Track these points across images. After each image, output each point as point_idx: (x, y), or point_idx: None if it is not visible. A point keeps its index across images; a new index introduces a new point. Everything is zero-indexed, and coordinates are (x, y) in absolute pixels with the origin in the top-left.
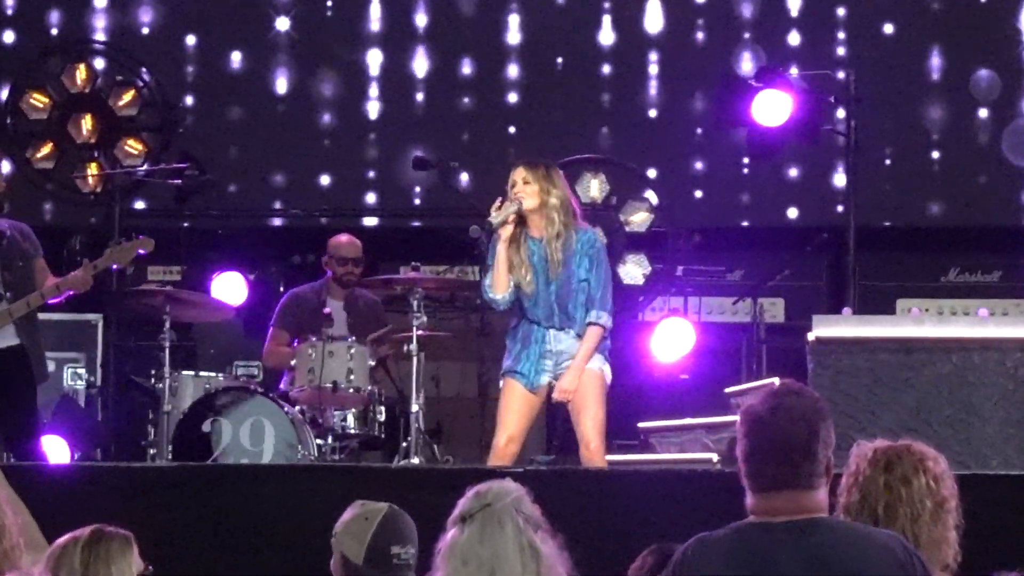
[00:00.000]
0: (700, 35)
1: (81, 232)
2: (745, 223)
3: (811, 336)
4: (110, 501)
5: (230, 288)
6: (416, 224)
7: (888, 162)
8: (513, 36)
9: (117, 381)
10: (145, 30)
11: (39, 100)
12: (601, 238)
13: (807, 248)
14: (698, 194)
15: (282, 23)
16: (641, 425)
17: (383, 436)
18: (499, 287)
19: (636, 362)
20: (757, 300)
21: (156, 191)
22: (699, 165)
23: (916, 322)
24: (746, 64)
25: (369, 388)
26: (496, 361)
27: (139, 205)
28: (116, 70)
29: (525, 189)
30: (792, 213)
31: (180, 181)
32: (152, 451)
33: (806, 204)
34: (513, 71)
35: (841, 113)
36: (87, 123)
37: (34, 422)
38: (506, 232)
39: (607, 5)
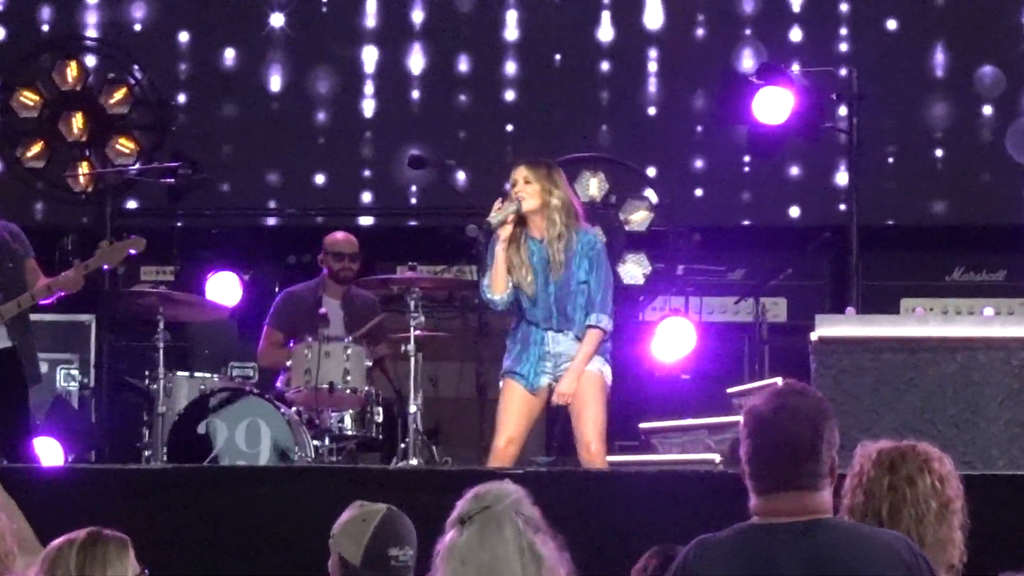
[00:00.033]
0: (700, 31)
1: (73, 232)
2: (746, 222)
3: (814, 336)
4: (104, 504)
5: (224, 288)
6: (413, 223)
7: (891, 160)
8: (511, 33)
9: (111, 382)
10: (137, 26)
11: (29, 98)
12: (601, 238)
13: (809, 247)
14: (699, 193)
15: (276, 19)
16: (642, 426)
17: (381, 437)
18: (497, 288)
19: (637, 362)
20: (759, 300)
21: (149, 190)
22: (699, 163)
23: (920, 321)
24: (747, 61)
25: (366, 389)
26: (495, 361)
27: (131, 204)
28: (108, 67)
29: (526, 189)
30: (794, 212)
31: (173, 180)
32: (147, 453)
33: (808, 203)
34: (511, 68)
35: (843, 110)
36: (78, 121)
37: (26, 424)
38: (505, 232)
39: (606, 1)
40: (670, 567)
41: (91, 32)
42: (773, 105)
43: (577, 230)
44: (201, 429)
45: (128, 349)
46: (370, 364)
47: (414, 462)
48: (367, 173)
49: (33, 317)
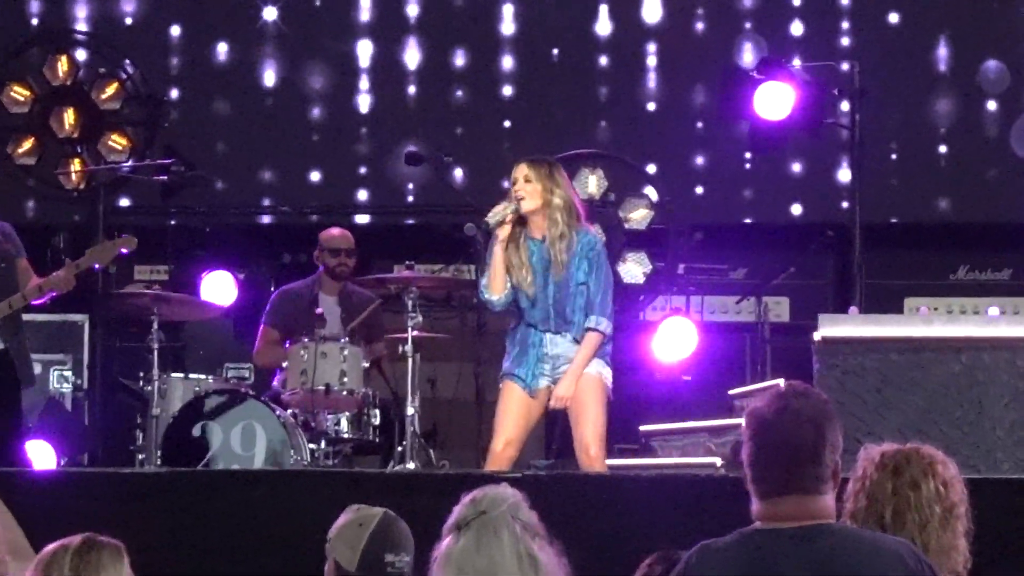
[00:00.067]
0: (700, 25)
1: (65, 230)
2: (748, 220)
3: (817, 336)
4: (97, 508)
5: (219, 288)
6: (410, 221)
7: (894, 157)
8: (507, 27)
9: (104, 384)
10: (129, 20)
11: (20, 93)
12: (601, 237)
13: (812, 245)
14: (699, 190)
15: (270, 13)
16: (642, 428)
17: (377, 440)
18: (495, 288)
19: (637, 363)
20: (761, 299)
21: (141, 187)
22: (700, 160)
23: (924, 321)
24: (747, 55)
25: (363, 390)
26: (493, 362)
27: (124, 202)
28: (99, 62)
29: (526, 188)
30: (796, 209)
31: (166, 177)
32: (140, 456)
33: (810, 200)
34: (508, 63)
35: (845, 106)
36: (69, 117)
37: (18, 426)
38: (503, 232)
39: None
40: (672, 573)
41: (82, 26)
42: (774, 101)
43: (578, 230)
44: (196, 432)
45: (122, 350)
46: (367, 365)
47: (411, 465)
48: (363, 170)
49: (25, 317)
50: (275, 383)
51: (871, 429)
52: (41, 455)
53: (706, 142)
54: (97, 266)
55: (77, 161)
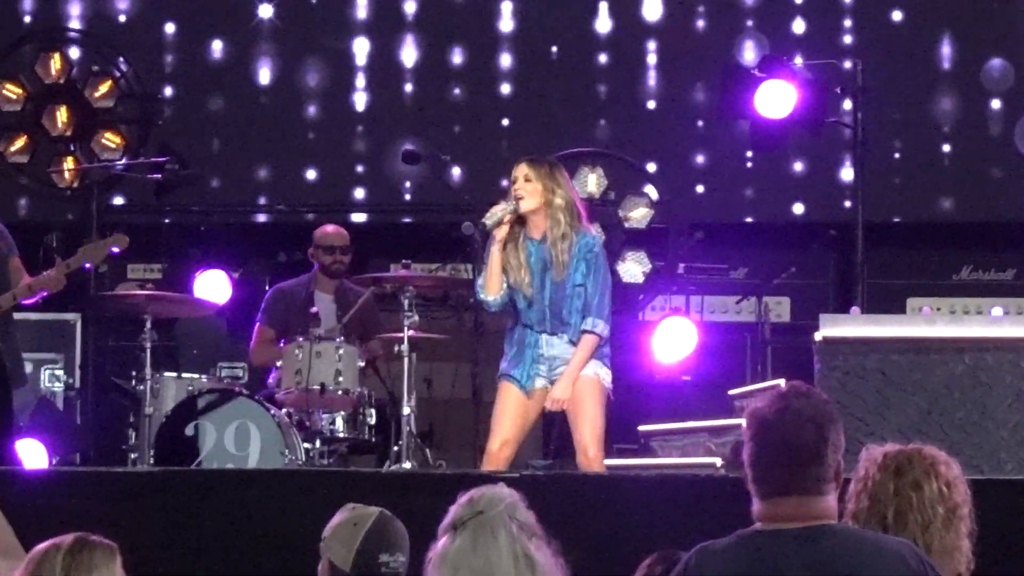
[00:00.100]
0: (701, 23)
1: (58, 228)
2: (749, 219)
3: (818, 336)
4: (89, 508)
5: (213, 287)
6: (406, 220)
7: (897, 155)
8: (506, 24)
9: (96, 383)
10: (122, 18)
11: (12, 91)
12: (600, 236)
13: (813, 245)
14: (700, 189)
15: (265, 10)
16: (641, 428)
17: (373, 440)
18: (491, 289)
19: (636, 363)
20: (762, 299)
21: (135, 186)
22: (700, 159)
23: (927, 321)
24: (749, 53)
25: (358, 390)
26: (490, 362)
27: (117, 200)
28: (92, 60)
29: (525, 187)
30: (798, 208)
31: (160, 175)
32: (133, 455)
33: (812, 199)
34: (506, 61)
35: (848, 104)
36: (62, 115)
37: (9, 425)
38: (500, 233)
39: None
40: (671, 575)
41: (75, 23)
42: (776, 99)
43: (578, 231)
44: (189, 431)
45: (114, 349)
46: (362, 364)
47: (407, 465)
48: (359, 168)
49: (17, 316)
50: (270, 382)
51: (873, 430)
52: (33, 454)
53: (707, 140)
54: (88, 265)
55: (70, 159)
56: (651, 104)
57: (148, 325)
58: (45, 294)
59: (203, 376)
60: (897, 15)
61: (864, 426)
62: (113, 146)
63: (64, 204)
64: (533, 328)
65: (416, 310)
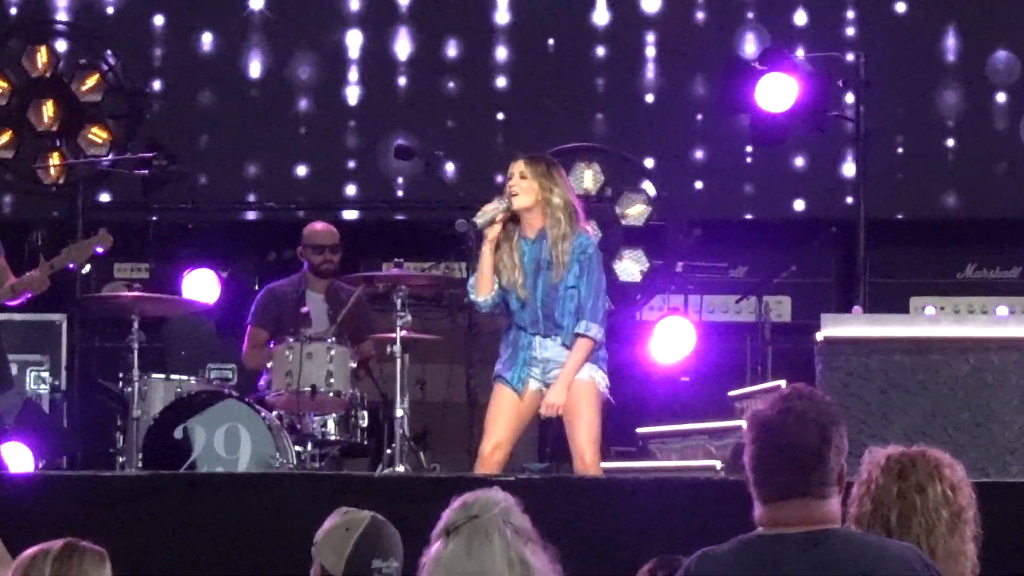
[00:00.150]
0: (700, 15)
1: (42, 226)
2: (749, 216)
3: (819, 336)
4: (76, 512)
5: (202, 286)
6: (399, 217)
7: (900, 150)
8: (501, 16)
9: (83, 385)
10: (110, 10)
11: None
12: (596, 234)
13: (815, 242)
14: (699, 185)
15: (256, 2)
16: (640, 431)
17: (366, 443)
18: (482, 289)
19: (634, 364)
20: (762, 298)
21: (122, 182)
22: (700, 154)
23: (931, 321)
24: (749, 46)
25: (350, 392)
26: (485, 364)
27: (104, 197)
28: (79, 53)
29: (520, 184)
30: (798, 205)
31: (147, 171)
32: (121, 459)
33: (813, 195)
34: (502, 53)
35: (850, 98)
36: (48, 109)
37: None
38: (492, 232)
39: None
40: None
41: (61, 16)
42: (777, 92)
43: (575, 231)
44: (178, 434)
45: (101, 350)
46: (354, 366)
47: (400, 469)
48: (351, 164)
49: (1, 317)
50: (261, 384)
51: (875, 432)
52: (18, 458)
53: (706, 135)
54: (72, 265)
55: (56, 155)
56: (649, 98)
57: (135, 325)
58: (29, 295)
59: (192, 378)
60: (900, 7)
61: (867, 428)
62: (100, 141)
63: (49, 201)
64: (527, 330)
65: (409, 310)
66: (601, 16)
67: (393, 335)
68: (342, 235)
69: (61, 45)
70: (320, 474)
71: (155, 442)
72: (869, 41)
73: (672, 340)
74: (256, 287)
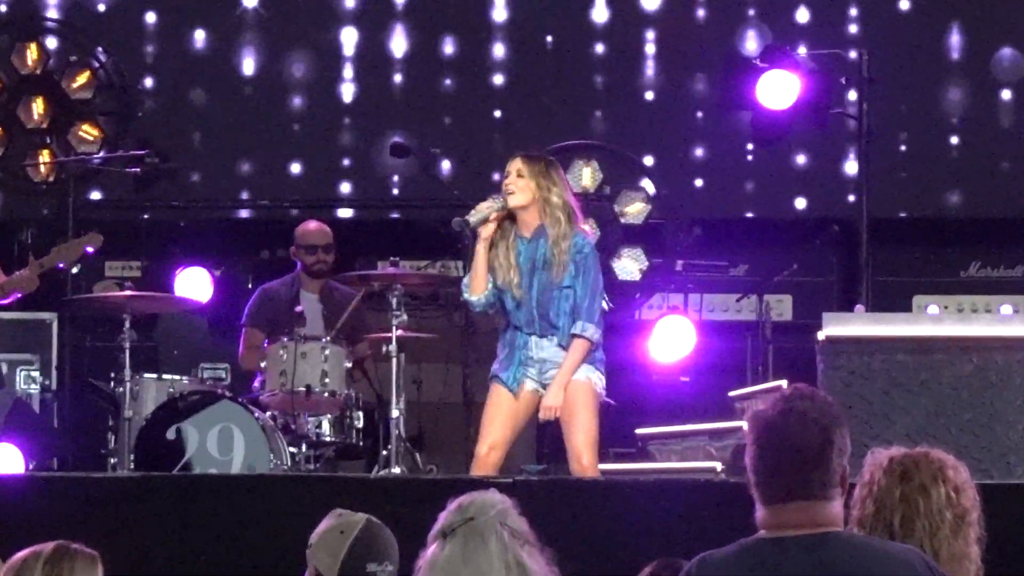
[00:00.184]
0: (701, 12)
1: (32, 224)
2: (750, 214)
3: (821, 335)
4: (68, 514)
5: (194, 285)
6: (395, 216)
7: (903, 148)
8: (499, 13)
9: (74, 384)
10: (101, 7)
11: None
12: (595, 232)
13: (816, 241)
14: (699, 183)
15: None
16: (639, 432)
17: (361, 444)
18: (476, 289)
19: (633, 364)
20: (763, 297)
21: (113, 180)
22: (700, 152)
23: (934, 320)
24: (750, 43)
25: (345, 392)
26: (481, 363)
27: (95, 195)
28: (70, 49)
29: (517, 183)
30: (800, 203)
31: (139, 169)
32: (112, 460)
33: (815, 194)
34: (499, 51)
35: (853, 95)
36: (38, 107)
37: None
38: (486, 231)
39: None
40: None
41: (52, 12)
42: (778, 90)
43: (573, 231)
44: (170, 435)
45: (92, 349)
46: (350, 365)
47: (396, 470)
48: (346, 162)
49: None
50: (256, 385)
51: (878, 433)
52: (8, 459)
53: (706, 133)
54: (62, 265)
55: (46, 152)
56: (649, 95)
57: (127, 325)
58: (19, 295)
59: (184, 377)
60: (904, 3)
61: (869, 429)
62: (91, 139)
63: (39, 199)
64: (523, 330)
65: (405, 309)
66: (600, 13)
67: (389, 334)
68: (337, 233)
69: (52, 42)
70: (315, 476)
71: (147, 443)
72: (872, 38)
73: (672, 339)
74: (249, 285)
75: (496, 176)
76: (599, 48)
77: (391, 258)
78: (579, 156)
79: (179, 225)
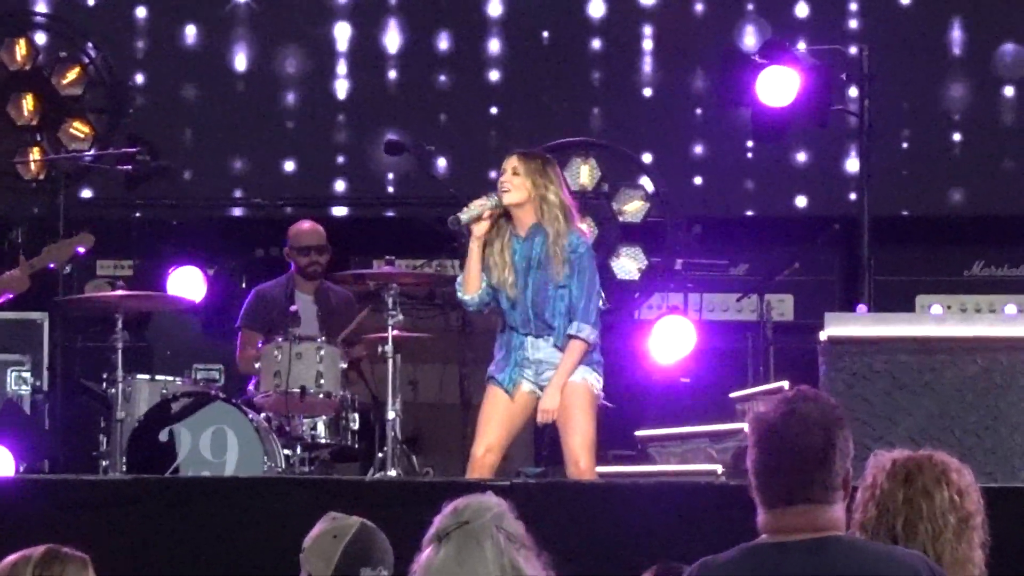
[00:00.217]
0: (699, 6)
1: (23, 223)
2: (750, 212)
3: (823, 335)
4: (58, 517)
5: (187, 284)
6: (390, 214)
7: (905, 145)
8: (495, 8)
9: (65, 385)
10: (91, 1)
11: None
12: (591, 229)
13: (817, 239)
14: (698, 181)
15: None
16: (638, 434)
17: (356, 446)
18: (469, 287)
19: (632, 365)
20: (763, 296)
21: (104, 178)
22: (699, 149)
23: (937, 320)
24: (750, 38)
25: (341, 393)
26: (478, 364)
27: (86, 193)
28: (60, 45)
29: (512, 180)
30: (801, 202)
31: (130, 167)
32: (104, 462)
33: (816, 192)
34: (495, 46)
35: (853, 92)
36: (28, 103)
37: None
38: (480, 229)
39: None
40: None
41: (41, 7)
42: (778, 86)
43: (568, 230)
44: (163, 436)
45: (84, 349)
46: (345, 366)
47: (392, 473)
48: (340, 160)
49: None
50: (250, 387)
51: (881, 435)
52: None
53: (705, 130)
54: (52, 265)
55: (36, 150)
56: (647, 92)
57: (119, 324)
58: (9, 295)
59: (178, 378)
60: None
61: (872, 431)
62: (81, 136)
63: (29, 197)
64: (518, 331)
65: (400, 309)
66: (597, 8)
67: (384, 335)
68: (331, 232)
69: (41, 38)
70: (309, 478)
71: (139, 445)
72: (873, 33)
73: (671, 340)
74: (243, 285)
75: (492, 173)
76: (596, 44)
77: (386, 257)
78: (577, 153)
79: (171, 223)
